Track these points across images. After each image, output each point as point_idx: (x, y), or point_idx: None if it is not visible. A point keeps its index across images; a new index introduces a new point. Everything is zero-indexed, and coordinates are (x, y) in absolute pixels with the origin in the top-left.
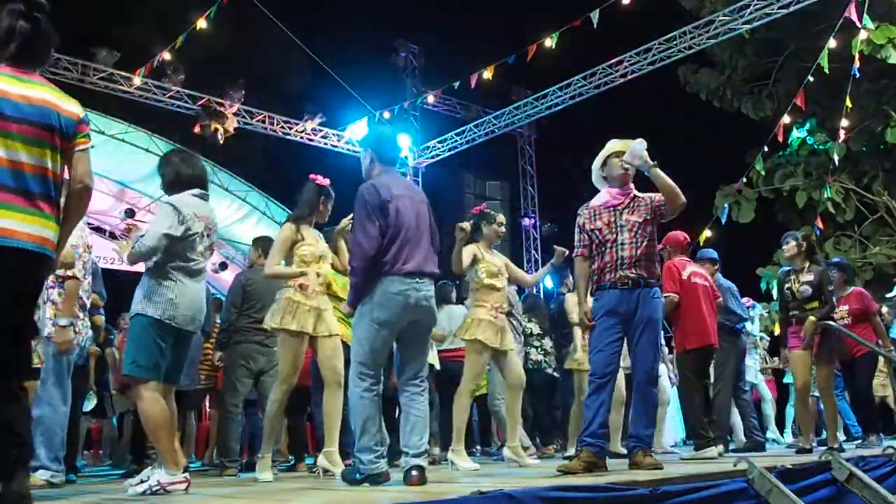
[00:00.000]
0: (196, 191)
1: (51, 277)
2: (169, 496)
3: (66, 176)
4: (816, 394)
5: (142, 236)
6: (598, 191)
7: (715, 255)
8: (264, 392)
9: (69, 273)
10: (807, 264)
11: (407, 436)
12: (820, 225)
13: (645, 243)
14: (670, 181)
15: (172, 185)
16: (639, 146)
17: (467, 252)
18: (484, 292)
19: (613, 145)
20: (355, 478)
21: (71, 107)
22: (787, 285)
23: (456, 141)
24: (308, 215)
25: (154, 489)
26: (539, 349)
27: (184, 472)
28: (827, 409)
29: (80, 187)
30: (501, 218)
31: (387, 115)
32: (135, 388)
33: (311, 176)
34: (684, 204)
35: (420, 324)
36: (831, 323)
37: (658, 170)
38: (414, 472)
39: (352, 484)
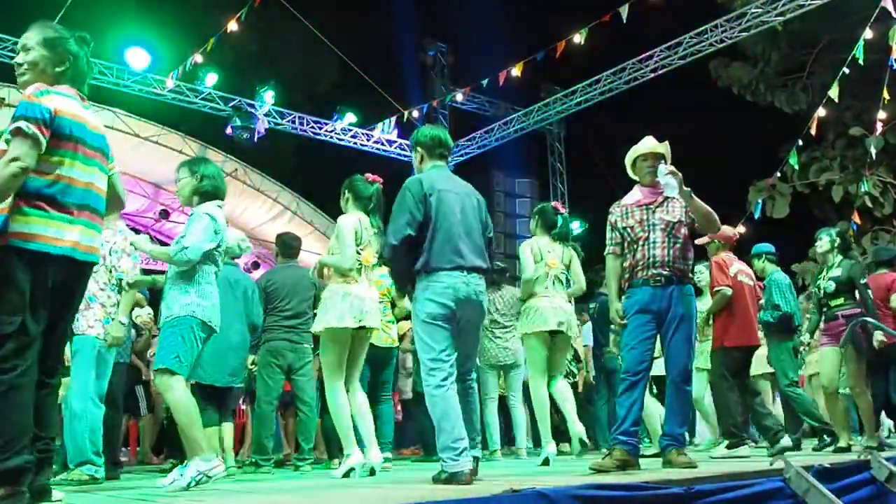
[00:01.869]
0: (219, 202)
1: (101, 280)
2: (204, 493)
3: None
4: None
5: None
6: (629, 187)
7: (771, 248)
8: (298, 392)
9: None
10: (838, 259)
11: None
12: (857, 220)
13: (679, 245)
14: (706, 208)
15: (206, 195)
16: (670, 181)
17: None
18: None
19: (643, 146)
20: (440, 477)
21: (104, 128)
22: (818, 282)
23: (485, 139)
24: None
25: (197, 479)
26: None
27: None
28: (861, 406)
29: (121, 205)
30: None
31: (416, 113)
32: (164, 381)
33: (367, 176)
34: (719, 229)
35: (469, 320)
36: (869, 319)
37: (695, 198)
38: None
39: (436, 482)
